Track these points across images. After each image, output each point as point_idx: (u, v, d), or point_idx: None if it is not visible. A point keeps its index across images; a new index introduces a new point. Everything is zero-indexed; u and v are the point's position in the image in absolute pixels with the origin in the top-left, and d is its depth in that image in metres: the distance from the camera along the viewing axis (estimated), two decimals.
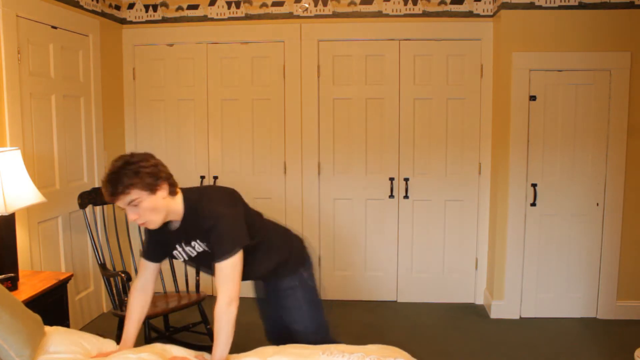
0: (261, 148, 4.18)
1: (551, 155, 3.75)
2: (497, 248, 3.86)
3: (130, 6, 4.12)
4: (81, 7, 3.62)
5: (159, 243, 2.05)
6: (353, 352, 1.91)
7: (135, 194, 1.78)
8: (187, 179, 4.25)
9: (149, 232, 2.03)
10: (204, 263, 2.09)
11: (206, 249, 1.99)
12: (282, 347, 2.05)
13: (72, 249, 3.54)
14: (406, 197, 4.04)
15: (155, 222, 1.87)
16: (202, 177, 4.22)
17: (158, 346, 2.06)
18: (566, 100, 3.71)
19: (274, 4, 4.02)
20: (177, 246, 2.02)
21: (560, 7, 3.61)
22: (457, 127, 4.00)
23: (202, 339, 3.26)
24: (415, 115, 4.02)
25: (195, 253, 2.02)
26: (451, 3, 3.89)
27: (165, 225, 1.96)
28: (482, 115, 4.00)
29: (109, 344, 2.13)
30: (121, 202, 1.80)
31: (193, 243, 2.00)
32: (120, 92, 4.19)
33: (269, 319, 2.45)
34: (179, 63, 4.18)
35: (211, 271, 2.02)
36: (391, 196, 4.04)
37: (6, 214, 2.50)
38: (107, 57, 3.95)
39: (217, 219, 1.90)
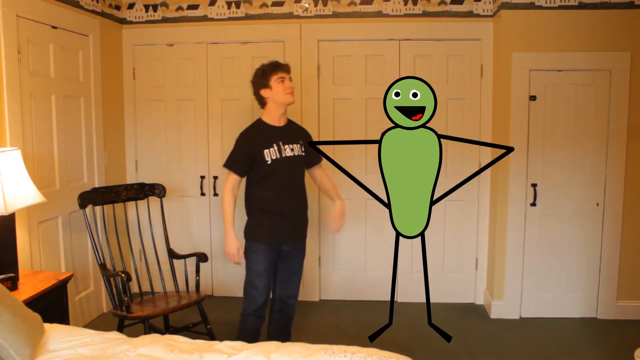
0: None
1: (551, 155, 3.75)
2: (497, 248, 3.86)
3: (130, 6, 4.12)
4: (81, 7, 3.62)
5: (248, 156, 2.75)
6: (355, 352, 1.91)
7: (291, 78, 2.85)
8: (187, 178, 4.25)
9: (243, 150, 2.77)
10: (292, 165, 2.83)
11: (301, 153, 2.86)
12: (284, 344, 2.06)
13: (72, 249, 3.54)
14: None
15: (294, 96, 2.82)
16: (202, 177, 4.22)
17: (161, 338, 2.12)
18: (566, 100, 3.71)
19: (274, 4, 4.02)
20: (275, 144, 2.76)
21: (560, 7, 3.61)
22: (457, 127, 3.99)
23: (202, 339, 3.25)
24: None
25: (291, 154, 2.80)
26: (451, 3, 3.90)
27: (272, 126, 2.82)
28: (482, 115, 4.00)
29: (110, 336, 2.14)
30: (289, 77, 2.80)
31: (293, 146, 2.82)
32: (120, 92, 4.19)
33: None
34: (179, 63, 4.18)
35: (296, 174, 2.88)
36: None
37: (6, 214, 2.50)
38: (107, 57, 3.95)
39: (307, 132, 3.04)
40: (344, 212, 2.99)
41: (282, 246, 2.86)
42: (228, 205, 2.76)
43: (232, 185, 2.77)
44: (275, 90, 2.77)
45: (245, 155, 2.75)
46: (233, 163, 2.78)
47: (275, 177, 2.78)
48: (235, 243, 2.78)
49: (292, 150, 2.83)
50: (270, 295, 2.96)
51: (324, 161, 2.78)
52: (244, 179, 2.86)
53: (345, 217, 3.01)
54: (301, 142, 2.90)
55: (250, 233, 2.85)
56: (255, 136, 2.78)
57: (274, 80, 2.76)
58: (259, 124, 2.84)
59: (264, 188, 2.79)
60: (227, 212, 2.77)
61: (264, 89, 2.79)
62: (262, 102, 2.84)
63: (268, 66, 2.80)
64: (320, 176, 3.04)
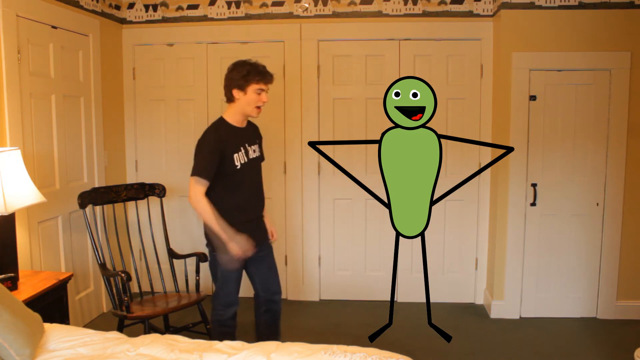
0: None
1: (551, 155, 3.75)
2: (497, 248, 3.86)
3: (130, 6, 4.12)
4: (81, 7, 3.62)
5: (218, 162, 2.60)
6: (355, 352, 1.91)
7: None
8: (187, 179, 4.24)
9: (214, 155, 2.59)
10: (257, 167, 2.81)
11: (260, 153, 2.84)
12: (284, 344, 2.06)
13: (72, 249, 3.54)
14: None
15: (260, 112, 2.73)
16: None
17: (161, 337, 2.13)
18: (566, 100, 3.71)
19: (274, 4, 4.02)
20: (242, 148, 2.69)
21: (560, 7, 3.61)
22: (457, 127, 3.99)
23: (202, 339, 3.25)
24: None
25: (254, 155, 2.77)
26: (451, 3, 3.90)
27: (237, 128, 2.72)
28: (482, 115, 4.00)
29: (110, 336, 2.14)
30: (266, 87, 2.67)
31: (255, 147, 2.79)
32: (120, 92, 4.19)
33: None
34: (179, 63, 4.18)
35: (258, 174, 2.83)
36: None
37: (6, 214, 2.50)
38: (107, 57, 3.95)
39: (259, 129, 2.95)
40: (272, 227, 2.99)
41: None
42: (209, 209, 2.55)
43: (203, 191, 2.57)
44: (248, 99, 2.63)
45: (216, 161, 2.59)
46: (204, 170, 2.57)
47: (244, 180, 2.70)
48: (242, 240, 2.60)
49: (254, 151, 2.78)
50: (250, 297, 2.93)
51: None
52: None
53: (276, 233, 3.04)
54: (258, 141, 2.86)
55: (218, 244, 2.64)
56: (225, 140, 2.63)
57: (252, 88, 2.62)
58: (223, 126, 2.69)
59: (234, 193, 2.69)
60: (213, 217, 2.55)
61: (238, 90, 2.63)
62: (230, 99, 2.68)
63: (254, 71, 2.62)
64: None
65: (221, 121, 2.71)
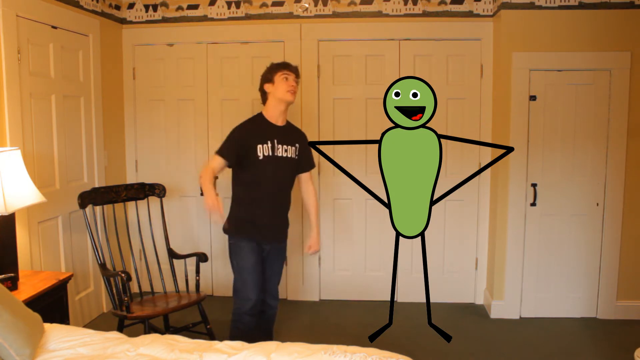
0: None
1: (551, 155, 3.75)
2: (497, 248, 3.86)
3: (130, 6, 4.12)
4: (81, 7, 3.62)
5: (239, 150, 2.76)
6: (355, 352, 1.91)
7: (297, 82, 2.90)
8: (187, 179, 4.25)
9: (236, 143, 2.77)
10: (282, 167, 2.84)
11: (294, 156, 2.88)
12: (284, 344, 2.06)
13: (72, 249, 3.54)
14: None
15: (294, 96, 2.85)
16: None
17: (161, 337, 2.13)
18: (566, 100, 3.71)
19: (274, 4, 4.02)
20: (269, 141, 2.79)
21: (560, 7, 3.62)
22: (457, 127, 3.99)
23: (202, 339, 3.25)
24: None
25: (284, 154, 2.83)
26: (451, 3, 3.90)
27: (270, 123, 2.85)
28: (482, 115, 4.00)
29: (110, 336, 2.14)
30: (294, 78, 2.86)
31: (287, 147, 2.84)
32: (120, 92, 4.19)
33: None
34: (179, 63, 4.18)
35: (284, 175, 2.88)
36: None
37: (6, 214, 2.50)
38: (107, 57, 3.95)
39: (304, 136, 3.01)
40: (318, 243, 3.05)
41: (263, 245, 2.88)
42: (206, 178, 2.64)
43: (215, 166, 2.72)
44: (277, 86, 2.82)
45: (236, 148, 2.76)
46: (223, 149, 2.77)
47: (264, 174, 2.80)
48: (213, 196, 2.60)
49: (285, 151, 2.85)
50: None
51: (314, 176, 2.82)
52: (229, 176, 2.92)
53: (319, 246, 3.09)
54: (297, 145, 2.91)
55: (231, 228, 2.86)
56: (251, 131, 2.81)
57: (278, 76, 2.83)
58: (258, 119, 2.88)
59: (251, 184, 2.82)
60: (207, 181, 2.63)
61: (268, 84, 2.86)
62: (264, 97, 2.90)
63: (277, 64, 2.90)
64: (305, 184, 3.03)
65: (258, 114, 2.90)
